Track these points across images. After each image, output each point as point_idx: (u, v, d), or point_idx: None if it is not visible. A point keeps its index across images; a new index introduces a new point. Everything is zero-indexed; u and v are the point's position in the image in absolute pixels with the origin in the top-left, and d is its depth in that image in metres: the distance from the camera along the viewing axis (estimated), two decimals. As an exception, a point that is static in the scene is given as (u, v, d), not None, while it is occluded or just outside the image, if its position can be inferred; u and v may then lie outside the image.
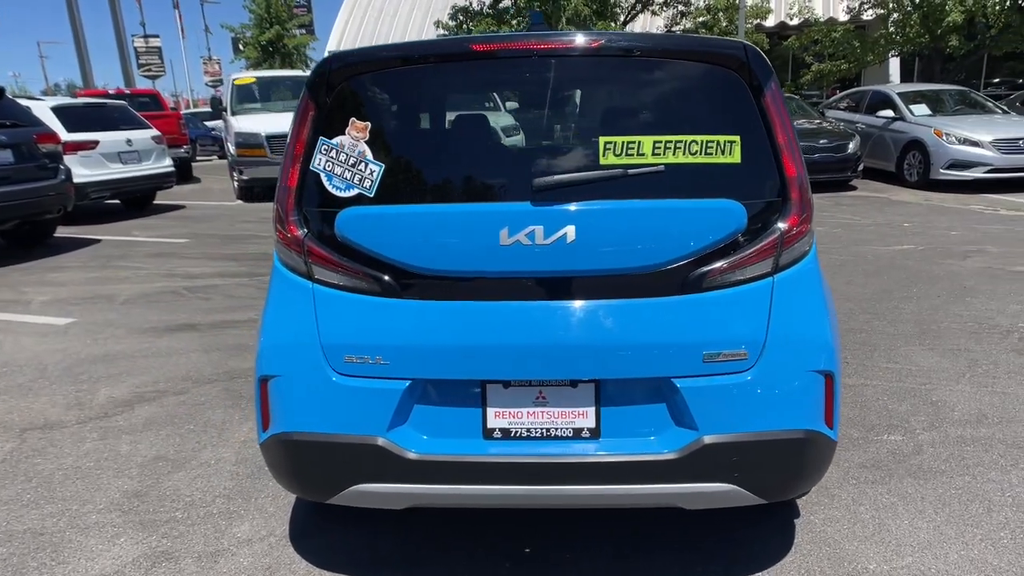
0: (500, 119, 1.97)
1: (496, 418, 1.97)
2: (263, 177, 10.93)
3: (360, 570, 2.33)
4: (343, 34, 23.85)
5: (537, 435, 1.96)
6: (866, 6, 13.23)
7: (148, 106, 13.54)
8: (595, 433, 1.95)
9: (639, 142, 1.88)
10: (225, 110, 11.84)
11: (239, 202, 11.39)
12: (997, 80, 19.56)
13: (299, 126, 2.02)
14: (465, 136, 2.05)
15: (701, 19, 13.35)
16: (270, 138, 10.69)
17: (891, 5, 12.22)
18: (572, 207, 1.87)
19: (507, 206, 1.89)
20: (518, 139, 2.05)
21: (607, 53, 1.93)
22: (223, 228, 9.04)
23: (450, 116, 2.08)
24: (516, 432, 1.97)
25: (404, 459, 1.94)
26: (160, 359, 4.34)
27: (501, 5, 13.70)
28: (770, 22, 16.84)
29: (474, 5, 14.38)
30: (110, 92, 13.57)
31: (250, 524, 2.59)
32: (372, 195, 1.95)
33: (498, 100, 1.84)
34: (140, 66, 33.30)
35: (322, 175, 2.00)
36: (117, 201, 10.62)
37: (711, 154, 1.89)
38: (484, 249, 1.90)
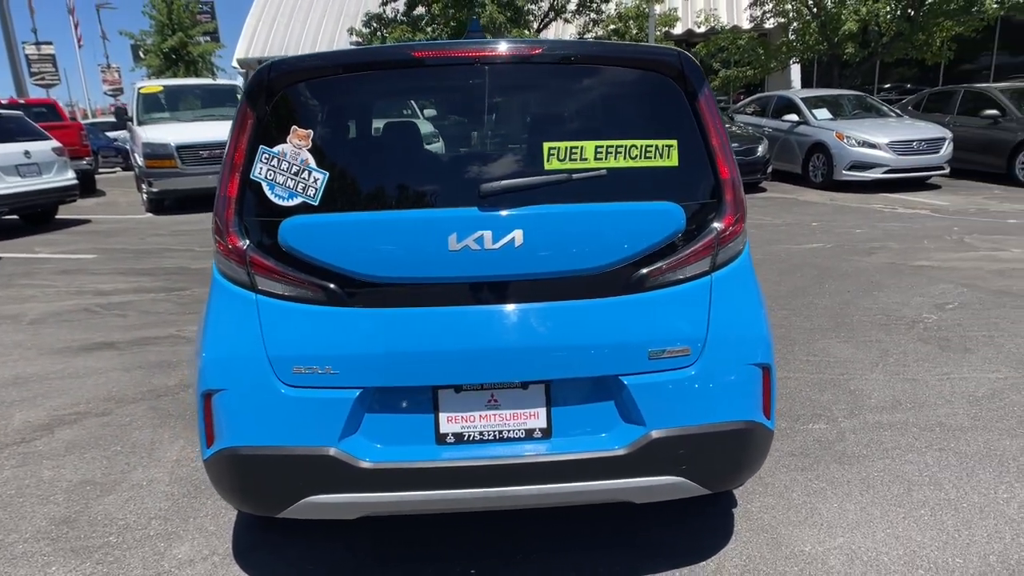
0: (425, 126, 1.99)
1: (448, 423, 1.98)
2: (174, 189, 10.50)
3: (311, 586, 2.28)
4: (252, 41, 23.16)
5: (490, 438, 1.98)
6: (768, 15, 13.97)
7: (46, 116, 12.73)
8: (547, 433, 1.99)
9: (581, 147, 1.93)
10: (131, 120, 11.29)
11: (149, 215, 10.87)
12: (888, 85, 20.99)
13: (238, 134, 1.97)
14: (408, 143, 2.05)
15: (612, 27, 13.73)
16: (181, 149, 10.27)
17: (791, 15, 12.96)
18: (519, 212, 1.90)
19: (455, 212, 1.91)
20: (438, 146, 2.06)
21: (546, 60, 1.98)
22: (133, 242, 8.61)
23: (391, 123, 2.08)
24: (469, 436, 1.98)
25: (357, 468, 1.92)
26: (77, 380, 4.10)
27: (415, 12, 13.66)
28: (678, 30, 17.51)
29: (388, 13, 14.28)
30: (3, 102, 12.66)
31: (190, 544, 2.49)
32: (317, 203, 1.93)
33: (416, 108, 1.85)
34: (32, 75, 31.33)
35: (263, 184, 1.95)
36: (16, 217, 9.94)
37: (650, 158, 1.97)
38: (433, 255, 1.90)
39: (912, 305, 5.00)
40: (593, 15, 14.40)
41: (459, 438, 1.97)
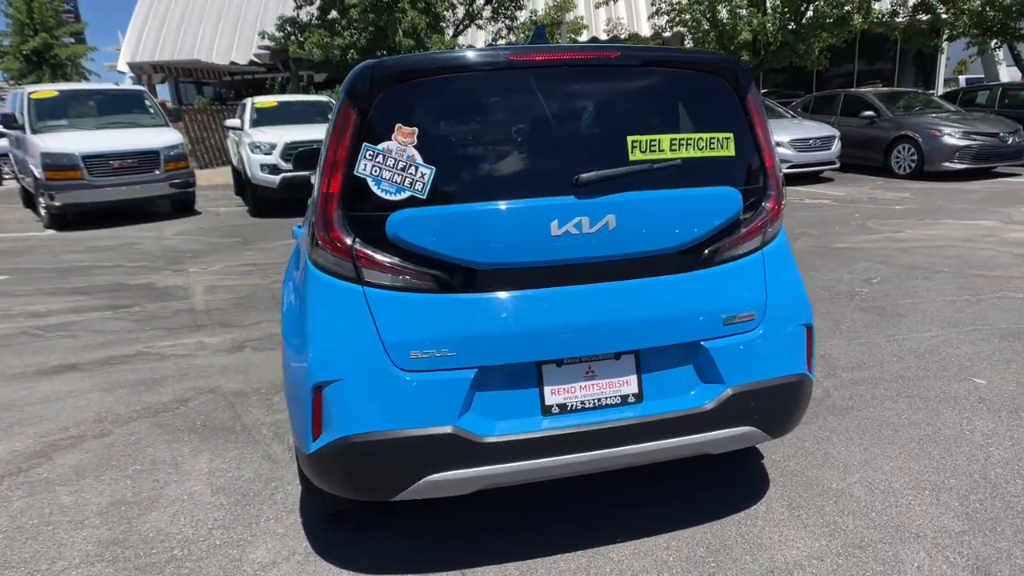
0: (519, 122, 2.15)
1: (552, 395, 2.14)
2: (79, 202, 9.79)
3: (402, 565, 2.36)
4: (139, 43, 21.80)
5: (590, 406, 2.16)
6: (669, 25, 14.91)
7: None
8: (639, 397, 2.20)
9: (659, 140, 2.16)
10: (22, 128, 10.40)
11: (51, 232, 10.05)
12: (765, 90, 22.81)
13: (339, 133, 2.05)
14: (504, 138, 2.19)
15: (525, 34, 14.17)
16: (88, 159, 9.59)
17: (690, 24, 13.92)
18: (611, 198, 2.11)
19: (556, 200, 2.08)
20: (531, 141, 2.24)
21: (624, 63, 2.20)
22: (48, 261, 7.98)
23: (488, 120, 2.22)
24: (571, 405, 2.15)
25: (476, 443, 2.05)
26: (52, 404, 3.86)
27: (330, 16, 13.47)
28: (584, 37, 18.26)
29: (302, 17, 13.98)
30: None
31: (265, 548, 2.49)
32: (425, 197, 2.04)
33: (511, 106, 1.95)
34: None
35: (369, 180, 2.04)
36: None
37: (713, 148, 2.23)
38: (537, 241, 2.07)
39: (845, 281, 5.61)
40: (507, 21, 14.76)
41: (563, 408, 2.15)
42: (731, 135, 2.25)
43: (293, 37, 13.85)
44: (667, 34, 16.38)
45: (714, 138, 2.23)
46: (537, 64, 2.12)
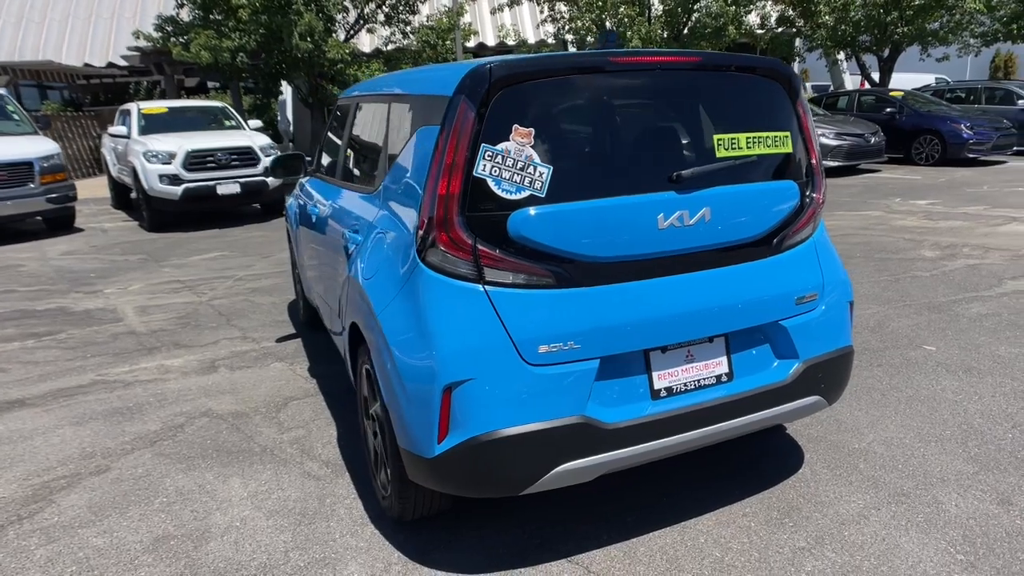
0: (620, 121, 2.27)
1: (659, 380, 2.27)
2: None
3: (509, 559, 2.39)
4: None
5: (691, 387, 2.31)
6: (562, 32, 15.44)
7: None
8: (730, 376, 2.37)
9: (738, 138, 2.35)
10: None
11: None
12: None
13: (454, 135, 2.06)
14: (609, 137, 2.27)
15: (425, 39, 14.13)
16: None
17: (582, 32, 14.51)
18: (705, 193, 2.27)
19: (660, 196, 2.21)
20: (633, 138, 2.36)
21: (705, 66, 2.37)
22: (-80, 290, 7.00)
23: (595, 119, 2.29)
24: (676, 388, 2.29)
25: (602, 430, 2.13)
26: (19, 445, 3.46)
27: (215, 17, 12.71)
28: (472, 43, 18.50)
29: (184, 16, 13.07)
30: None
31: (357, 564, 2.42)
32: (544, 195, 2.10)
33: (613, 106, 2.02)
34: None
35: (489, 180, 2.07)
36: None
37: (776, 146, 2.45)
38: (646, 234, 2.19)
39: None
40: (402, 26, 14.61)
41: (669, 392, 2.28)
42: (788, 133, 2.49)
43: (175, 38, 12.94)
44: (551, 41, 17.01)
45: (776, 136, 2.45)
46: (636, 66, 2.24)
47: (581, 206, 2.13)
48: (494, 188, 2.08)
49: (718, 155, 2.31)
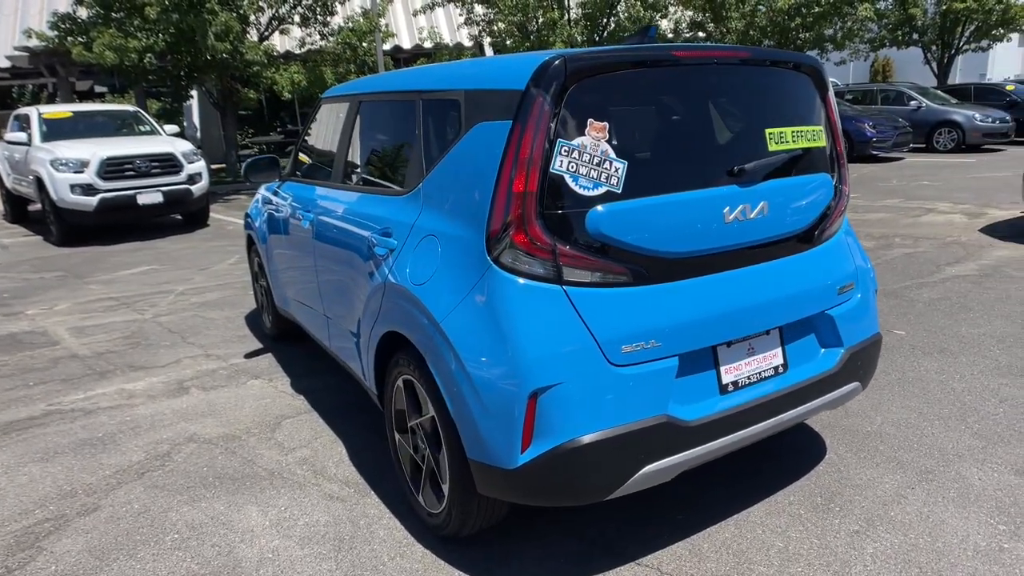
0: (684, 115, 2.24)
1: (726, 374, 2.26)
2: None
3: (573, 568, 2.32)
4: None
5: (753, 380, 2.32)
6: (484, 35, 15.40)
7: None
8: (785, 368, 2.40)
9: (786, 132, 2.38)
10: None
11: None
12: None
13: (530, 130, 1.98)
14: (674, 130, 2.24)
15: (347, 41, 13.70)
16: None
17: (502, 35, 14.52)
18: (764, 186, 2.28)
19: (726, 189, 2.20)
20: (696, 132, 2.37)
21: (752, 62, 2.39)
22: None
23: (661, 113, 2.25)
24: (740, 382, 2.29)
25: (683, 428, 2.10)
26: (-21, 488, 3.07)
27: (115, 15, 11.80)
28: (388, 45, 18.18)
29: (82, 14, 12.05)
30: None
31: (417, 586, 2.28)
32: (620, 191, 2.04)
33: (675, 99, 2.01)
34: None
35: (566, 176, 2.00)
36: None
37: (815, 139, 2.51)
38: (714, 228, 2.18)
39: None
40: (319, 26, 14.10)
41: (735, 386, 2.27)
42: (822, 127, 2.55)
43: (72, 37, 11.93)
44: (469, 44, 16.97)
45: (814, 130, 2.51)
46: (695, 60, 2.23)
47: (656, 201, 2.09)
48: (571, 184, 2.00)
49: (770, 149, 2.33)
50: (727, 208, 2.19)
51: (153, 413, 3.77)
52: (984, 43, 18.93)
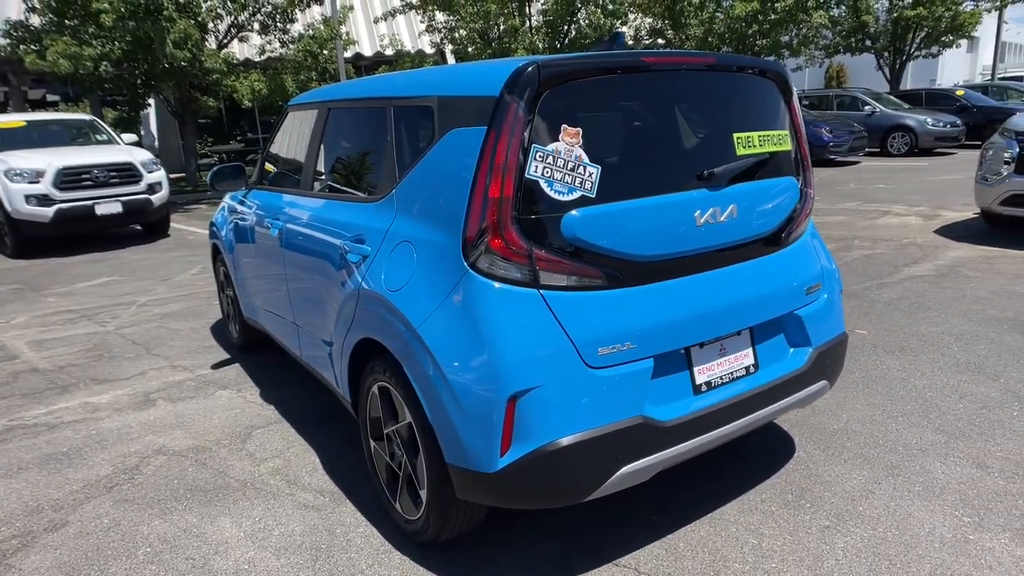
0: (654, 121, 2.27)
1: (699, 375, 2.31)
2: None
3: (553, 570, 2.33)
4: None
5: (725, 380, 2.36)
6: (446, 42, 15.41)
7: None
8: (756, 367, 2.45)
9: (753, 136, 2.44)
10: None
11: None
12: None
13: (505, 136, 2.00)
14: (645, 136, 2.26)
15: (308, 48, 13.57)
16: None
17: (464, 43, 14.55)
18: (732, 189, 2.33)
19: (696, 193, 2.25)
20: (666, 138, 2.41)
21: (718, 67, 2.45)
22: None
23: (630, 119, 2.27)
24: (712, 383, 2.33)
25: (659, 428, 2.14)
26: (-64, 509, 2.96)
27: (69, 23, 11.51)
28: (349, 52, 18.10)
29: (36, 22, 11.72)
30: None
31: (397, 594, 2.27)
32: (594, 195, 2.07)
33: (647, 106, 2.05)
34: None
35: (541, 181, 2.02)
36: None
37: (779, 144, 2.57)
38: (685, 231, 2.22)
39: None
40: (279, 34, 13.94)
41: (708, 386, 2.32)
42: (787, 132, 2.62)
43: (24, 45, 11.59)
44: (431, 51, 16.97)
45: (780, 134, 2.57)
46: (664, 67, 2.27)
47: (629, 205, 2.13)
48: (546, 189, 2.03)
49: (738, 153, 2.39)
50: (698, 211, 2.24)
51: (119, 426, 3.68)
52: (935, 49, 19.60)
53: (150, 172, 9.35)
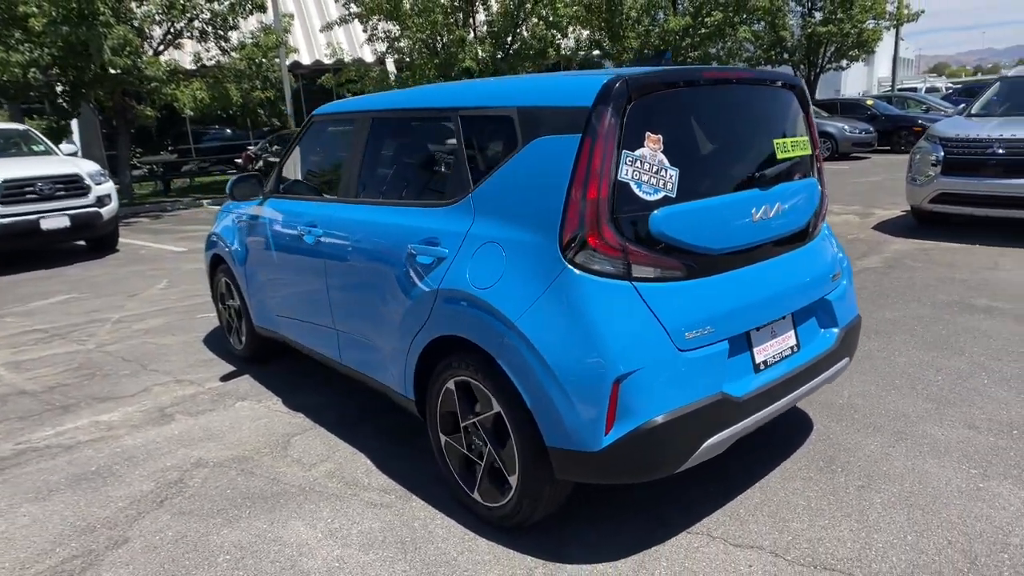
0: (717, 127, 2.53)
1: (758, 355, 2.56)
2: None
3: (639, 543, 2.53)
4: None
5: (776, 360, 2.63)
6: (390, 52, 15.40)
7: None
8: (797, 347, 2.73)
9: (786, 142, 2.74)
10: None
11: None
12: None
13: (600, 143, 2.19)
14: (712, 141, 2.50)
15: (252, 57, 13.27)
16: None
17: (413, 53, 14.60)
18: (778, 188, 2.61)
19: (753, 192, 2.51)
20: (726, 142, 2.62)
21: (756, 82, 2.73)
22: None
23: (700, 126, 2.49)
24: (767, 362, 2.59)
25: (735, 403, 2.37)
26: (-23, 533, 2.87)
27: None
28: (289, 60, 17.82)
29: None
30: None
31: (497, 574, 2.41)
32: (675, 195, 2.30)
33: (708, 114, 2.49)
34: None
35: (631, 184, 2.23)
36: None
37: (804, 148, 2.88)
38: (746, 226, 2.48)
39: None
40: (221, 43, 13.57)
41: (764, 365, 2.57)
42: (807, 137, 2.93)
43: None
44: (370, 59, 16.95)
45: (804, 140, 2.88)
46: (720, 80, 2.53)
47: (704, 203, 2.36)
48: (636, 191, 2.23)
49: (779, 157, 2.67)
50: (754, 209, 2.50)
51: (145, 443, 3.63)
52: (844, 63, 21.11)
53: (98, 184, 8.98)
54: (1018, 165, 6.61)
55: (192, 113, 13.74)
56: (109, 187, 9.20)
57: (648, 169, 2.25)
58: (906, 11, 20.63)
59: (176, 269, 8.27)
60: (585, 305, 2.20)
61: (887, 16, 20.01)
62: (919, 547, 2.43)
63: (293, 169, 3.95)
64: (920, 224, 7.94)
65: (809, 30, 19.62)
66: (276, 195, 4.00)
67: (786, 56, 20.73)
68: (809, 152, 2.92)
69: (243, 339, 4.67)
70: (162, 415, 3.98)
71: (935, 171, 7.24)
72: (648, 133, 2.25)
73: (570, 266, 2.23)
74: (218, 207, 15.61)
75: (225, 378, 4.51)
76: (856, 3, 18.79)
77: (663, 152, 2.28)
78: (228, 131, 21.96)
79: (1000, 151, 6.74)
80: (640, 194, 2.24)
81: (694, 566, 2.40)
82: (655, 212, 2.26)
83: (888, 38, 22.63)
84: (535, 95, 2.47)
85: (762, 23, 18.36)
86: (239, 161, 17.38)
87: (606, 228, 2.20)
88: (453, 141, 2.75)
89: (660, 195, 2.27)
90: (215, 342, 5.25)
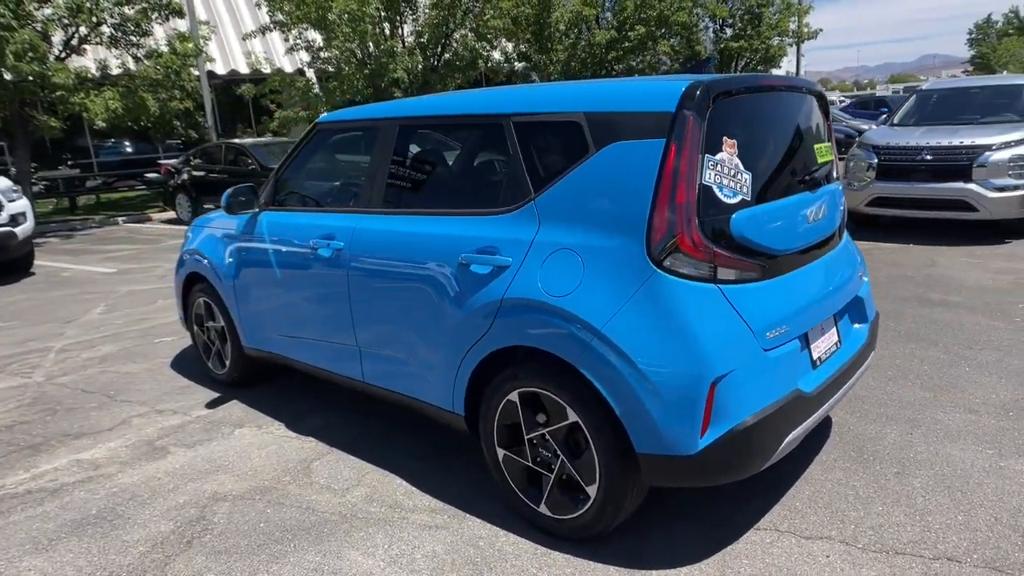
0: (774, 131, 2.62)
1: (815, 351, 2.65)
2: None
3: (712, 543, 2.55)
4: None
5: (827, 356, 2.73)
6: (316, 62, 14.94)
7: None
8: (840, 344, 2.85)
9: (822, 147, 2.86)
10: None
11: None
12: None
13: (685, 148, 2.21)
14: (773, 145, 2.56)
15: (170, 65, 12.52)
16: None
17: (342, 65, 14.22)
18: (821, 191, 2.73)
19: (807, 195, 2.61)
20: (780, 146, 2.72)
21: (791, 89, 2.83)
22: None
23: (763, 130, 2.54)
24: (820, 358, 2.68)
25: (807, 398, 2.45)
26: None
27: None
28: (220, 70, 16.98)
29: None
30: None
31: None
32: (750, 199, 2.35)
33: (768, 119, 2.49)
34: None
35: (714, 187, 2.26)
36: None
37: (830, 153, 3.02)
38: (803, 227, 2.57)
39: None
40: (134, 49, 12.72)
41: (820, 361, 2.66)
42: (831, 143, 3.08)
43: None
44: (289, 69, 16.44)
45: (830, 146, 3.02)
46: (773, 87, 2.62)
47: (774, 205, 2.43)
48: (718, 194, 2.27)
49: (819, 160, 2.79)
50: (808, 211, 2.60)
51: (143, 480, 3.33)
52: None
53: (11, 201, 8.24)
54: (945, 170, 7.19)
55: (104, 124, 12.82)
56: (24, 204, 8.46)
57: (727, 173, 2.29)
58: (806, 29, 22.15)
59: (111, 292, 7.68)
60: (678, 309, 2.21)
61: (790, 33, 21.41)
62: (971, 526, 2.58)
63: (295, 180, 3.76)
64: (857, 227, 8.47)
65: (722, 45, 20.69)
66: (274, 207, 3.79)
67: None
68: (832, 157, 3.06)
69: (227, 362, 4.38)
70: (152, 449, 3.67)
71: (870, 176, 7.76)
72: (725, 137, 2.29)
73: (659, 270, 2.23)
74: (138, 224, 14.65)
75: (211, 405, 4.21)
76: (763, 20, 20.01)
77: (737, 156, 2.33)
78: (128, 145, 20.55)
79: (928, 157, 7.31)
80: (722, 197, 2.28)
81: (775, 561, 2.44)
82: (735, 215, 2.30)
83: (792, 53, 24.22)
84: (605, 101, 2.46)
85: (679, 37, 19.19)
86: (153, 176, 16.40)
87: (695, 232, 2.22)
88: (505, 148, 2.69)
89: (738, 198, 2.32)
90: (187, 367, 4.90)
